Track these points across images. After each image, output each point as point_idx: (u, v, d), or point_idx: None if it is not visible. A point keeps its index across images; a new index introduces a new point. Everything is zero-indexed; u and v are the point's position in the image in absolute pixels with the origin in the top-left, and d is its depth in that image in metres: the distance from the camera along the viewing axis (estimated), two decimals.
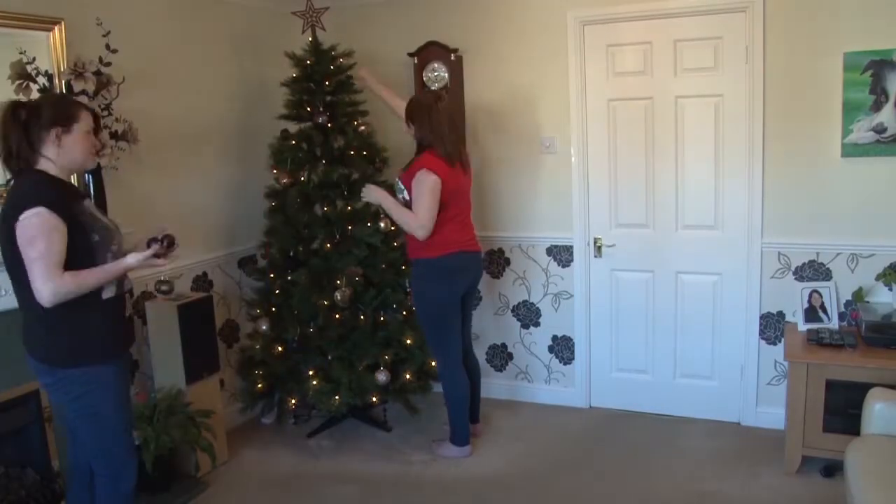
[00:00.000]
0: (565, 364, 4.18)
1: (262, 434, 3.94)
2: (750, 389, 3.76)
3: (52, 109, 2.25)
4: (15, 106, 2.25)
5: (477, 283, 3.68)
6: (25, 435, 2.94)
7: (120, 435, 2.44)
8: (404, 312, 3.82)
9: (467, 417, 3.61)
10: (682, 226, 3.80)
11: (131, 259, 2.30)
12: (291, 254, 3.73)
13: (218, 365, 3.59)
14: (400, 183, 3.39)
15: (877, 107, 3.28)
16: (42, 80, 2.86)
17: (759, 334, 3.71)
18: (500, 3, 3.94)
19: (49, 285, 2.12)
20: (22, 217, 2.11)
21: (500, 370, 4.34)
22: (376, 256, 3.71)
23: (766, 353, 3.71)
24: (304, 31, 3.81)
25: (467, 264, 3.49)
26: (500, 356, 4.33)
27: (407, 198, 3.34)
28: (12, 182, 2.28)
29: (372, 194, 3.45)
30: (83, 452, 2.52)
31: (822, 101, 3.39)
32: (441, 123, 3.32)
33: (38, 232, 2.11)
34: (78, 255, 2.21)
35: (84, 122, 2.30)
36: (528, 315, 4.22)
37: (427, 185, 3.25)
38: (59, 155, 2.25)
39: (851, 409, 2.92)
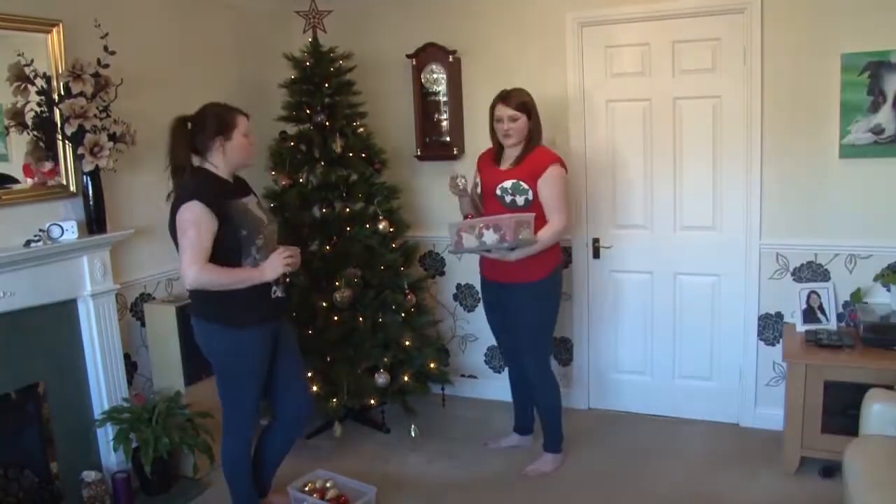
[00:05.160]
0: (564, 365, 4.17)
1: None
2: (748, 390, 3.76)
3: (214, 121, 2.54)
4: (181, 121, 2.55)
5: None
6: (25, 436, 2.94)
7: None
8: (403, 314, 3.81)
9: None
10: (680, 227, 3.81)
11: (269, 274, 2.56)
12: None
13: None
14: (523, 184, 3.14)
15: (874, 108, 3.28)
16: (40, 82, 2.86)
17: (758, 335, 3.71)
18: (499, 5, 3.95)
19: (191, 271, 2.41)
20: (181, 209, 2.42)
21: (500, 371, 4.33)
22: (374, 258, 3.71)
23: (765, 354, 3.72)
24: (305, 31, 3.81)
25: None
26: (499, 357, 4.32)
27: (527, 199, 3.13)
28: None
29: (520, 252, 3.06)
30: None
31: (819, 102, 3.40)
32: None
33: (190, 224, 2.41)
34: (225, 247, 2.49)
35: (242, 126, 2.59)
36: None
37: (565, 180, 3.18)
38: (223, 160, 2.57)
39: (850, 410, 2.92)
